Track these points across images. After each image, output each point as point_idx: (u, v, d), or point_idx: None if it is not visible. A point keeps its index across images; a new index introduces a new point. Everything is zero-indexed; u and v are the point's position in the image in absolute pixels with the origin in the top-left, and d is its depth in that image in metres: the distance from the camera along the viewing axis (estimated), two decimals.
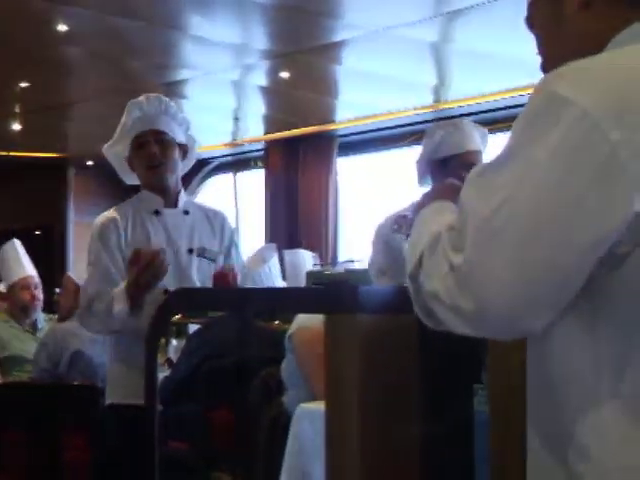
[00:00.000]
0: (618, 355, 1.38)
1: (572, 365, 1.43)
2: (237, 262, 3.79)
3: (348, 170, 12.44)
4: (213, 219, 3.79)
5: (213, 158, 13.09)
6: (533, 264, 1.26)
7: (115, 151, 3.70)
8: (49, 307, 6.48)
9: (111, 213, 3.72)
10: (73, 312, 5.07)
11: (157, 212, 3.57)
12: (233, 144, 13.04)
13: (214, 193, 13.70)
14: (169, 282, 3.45)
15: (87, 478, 4.28)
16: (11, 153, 13.40)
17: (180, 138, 3.69)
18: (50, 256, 6.80)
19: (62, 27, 7.95)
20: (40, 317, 6.11)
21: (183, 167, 3.79)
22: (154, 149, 3.56)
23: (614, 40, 1.53)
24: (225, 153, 13.07)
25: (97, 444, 4.22)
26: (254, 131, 12.26)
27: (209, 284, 3.56)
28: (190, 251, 3.61)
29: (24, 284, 5.99)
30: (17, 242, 6.06)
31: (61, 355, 4.79)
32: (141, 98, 3.68)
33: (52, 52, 8.80)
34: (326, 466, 2.39)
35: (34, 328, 5.96)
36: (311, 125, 12.08)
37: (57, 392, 4.61)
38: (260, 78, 10.33)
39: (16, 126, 11.99)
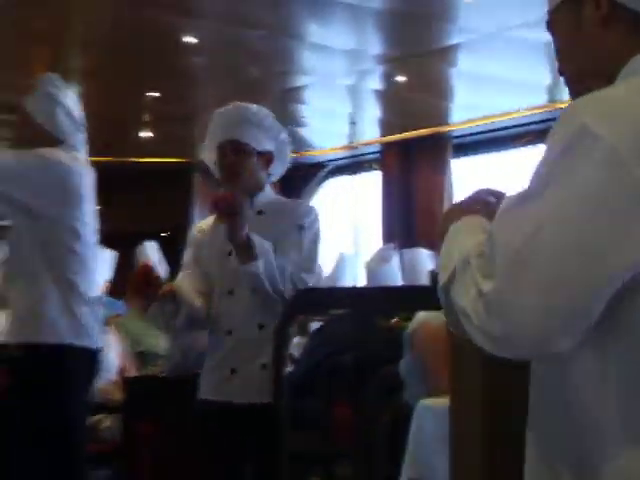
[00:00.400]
0: (627, 379, 1.40)
1: (584, 393, 1.45)
2: (295, 249, 3.49)
3: (462, 171, 12.39)
4: (289, 215, 3.61)
5: (330, 161, 13.23)
6: (561, 295, 1.30)
7: (207, 158, 3.68)
8: None
9: (206, 219, 3.84)
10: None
11: None
12: (350, 147, 13.07)
13: (331, 195, 13.77)
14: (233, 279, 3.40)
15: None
16: (142, 159, 13.76)
17: (264, 146, 3.56)
18: (176, 257, 6.90)
19: (189, 39, 8.11)
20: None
21: (275, 171, 3.69)
22: (230, 160, 3.50)
23: (629, 65, 1.54)
24: (342, 156, 13.17)
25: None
26: (370, 134, 12.31)
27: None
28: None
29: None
30: (152, 244, 6.16)
31: (191, 351, 4.82)
32: (225, 107, 3.65)
33: (180, 63, 9.00)
34: (450, 462, 2.40)
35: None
36: (425, 127, 12.09)
37: (189, 384, 4.74)
38: (375, 82, 10.33)
39: (146, 134, 12.33)
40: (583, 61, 1.66)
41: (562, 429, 1.51)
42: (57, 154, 3.95)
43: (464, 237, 1.51)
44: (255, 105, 3.68)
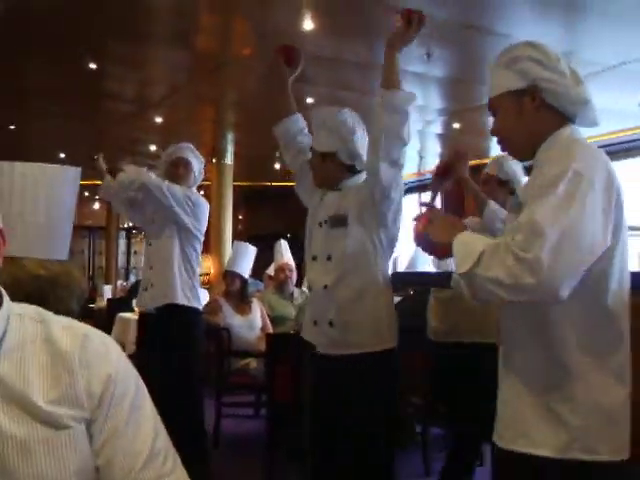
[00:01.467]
0: (588, 315, 1.64)
1: (562, 327, 1.64)
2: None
3: None
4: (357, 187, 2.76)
5: (405, 183, 13.21)
6: (577, 264, 1.52)
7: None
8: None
9: None
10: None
11: (324, 194, 2.81)
12: (418, 173, 13.04)
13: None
14: (318, 249, 2.75)
15: None
16: (274, 183, 14.04)
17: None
18: (298, 249, 7.13)
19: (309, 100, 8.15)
20: (294, 290, 6.11)
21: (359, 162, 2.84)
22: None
23: (556, 134, 1.75)
24: (412, 180, 13.10)
25: None
26: (432, 164, 12.29)
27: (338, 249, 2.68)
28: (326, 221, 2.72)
29: (281, 268, 6.01)
30: (283, 241, 6.32)
31: None
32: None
33: None
34: None
35: (291, 297, 5.98)
36: (472, 160, 11.94)
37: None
38: (437, 128, 10.34)
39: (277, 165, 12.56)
40: (519, 136, 1.81)
41: (540, 357, 1.67)
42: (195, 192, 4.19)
43: (474, 239, 1.67)
44: None
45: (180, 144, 4.30)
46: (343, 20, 6.33)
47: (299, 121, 3.00)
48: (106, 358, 1.16)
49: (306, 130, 2.98)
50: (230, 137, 11.29)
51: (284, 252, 6.20)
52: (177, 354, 3.94)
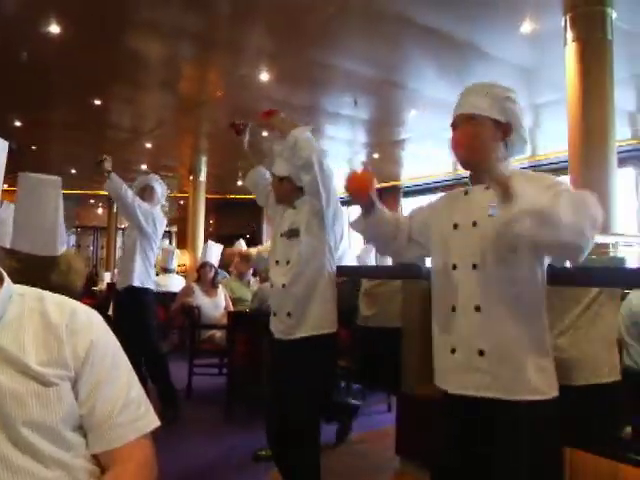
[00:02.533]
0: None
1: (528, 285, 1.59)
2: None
3: (410, 207, 12.45)
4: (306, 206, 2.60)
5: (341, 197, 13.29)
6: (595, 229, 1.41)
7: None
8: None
9: None
10: (263, 277, 5.10)
11: (285, 210, 2.68)
12: None
13: None
14: (279, 255, 2.60)
15: None
16: (237, 196, 13.77)
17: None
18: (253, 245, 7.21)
19: None
20: (251, 279, 6.04)
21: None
22: (274, 183, 2.72)
23: (507, 162, 1.71)
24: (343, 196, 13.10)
25: None
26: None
27: (293, 255, 2.54)
28: (283, 234, 2.61)
29: (234, 253, 6.03)
30: (242, 240, 6.29)
31: (263, 300, 4.81)
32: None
33: None
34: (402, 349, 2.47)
35: (248, 284, 5.91)
36: (387, 181, 12.10)
37: (260, 317, 4.72)
38: (362, 157, 10.34)
39: (240, 182, 12.46)
40: (479, 153, 1.70)
41: (510, 313, 1.57)
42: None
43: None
44: None
45: (150, 175, 4.55)
46: (292, 73, 6.34)
47: (261, 172, 2.95)
48: (89, 328, 1.13)
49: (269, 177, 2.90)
50: (204, 159, 11.22)
51: (243, 248, 6.20)
52: (135, 320, 4.15)
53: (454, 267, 1.68)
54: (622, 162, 7.69)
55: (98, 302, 10.28)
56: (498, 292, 1.58)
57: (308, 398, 2.48)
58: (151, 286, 4.27)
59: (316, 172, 2.43)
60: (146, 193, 4.31)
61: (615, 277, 1.83)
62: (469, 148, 1.71)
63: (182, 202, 14.72)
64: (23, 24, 5.21)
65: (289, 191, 2.67)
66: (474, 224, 1.66)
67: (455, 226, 1.72)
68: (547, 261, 1.63)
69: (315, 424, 2.52)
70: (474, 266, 1.62)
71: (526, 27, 5.01)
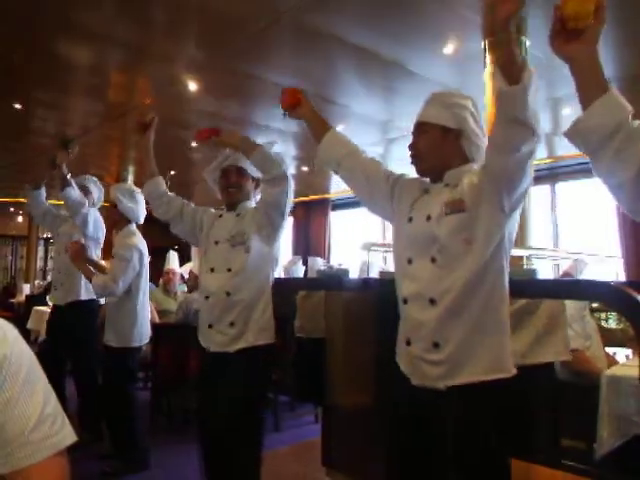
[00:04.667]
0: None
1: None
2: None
3: (338, 220, 12.55)
4: (251, 211, 2.54)
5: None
6: None
7: (213, 176, 2.71)
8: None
9: None
10: (195, 289, 5.03)
11: (220, 215, 2.64)
12: None
13: None
14: (216, 262, 2.50)
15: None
16: None
17: (255, 174, 2.59)
18: (184, 259, 6.94)
19: None
20: (178, 291, 6.05)
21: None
22: (233, 178, 2.59)
23: (465, 166, 1.74)
24: None
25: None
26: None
27: (237, 262, 2.46)
28: (227, 240, 2.49)
29: (167, 272, 6.02)
30: (172, 252, 6.19)
31: (188, 311, 4.72)
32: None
33: None
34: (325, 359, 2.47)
35: (175, 296, 5.90)
36: (314, 195, 12.23)
37: (186, 329, 4.66)
38: (292, 170, 10.26)
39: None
40: (433, 159, 1.74)
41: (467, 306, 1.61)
42: None
43: None
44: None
45: (87, 176, 4.45)
46: (222, 85, 6.29)
47: (160, 184, 2.79)
48: (3, 342, 1.06)
49: (166, 191, 2.78)
50: (131, 169, 10.93)
51: (172, 260, 6.15)
52: (80, 341, 3.99)
53: (409, 261, 1.71)
54: (538, 180, 8.16)
55: (15, 315, 9.81)
56: (453, 285, 1.61)
57: (247, 414, 2.38)
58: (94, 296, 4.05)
59: (285, 186, 2.39)
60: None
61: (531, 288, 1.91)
62: (417, 156, 1.77)
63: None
64: None
65: (247, 193, 2.60)
66: (428, 218, 1.69)
67: (410, 219, 1.76)
68: (505, 255, 1.67)
69: (257, 444, 2.40)
70: (432, 259, 1.65)
71: (449, 48, 5.18)
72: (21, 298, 10.85)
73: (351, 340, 2.37)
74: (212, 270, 2.50)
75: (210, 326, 2.47)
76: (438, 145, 1.74)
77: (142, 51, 5.46)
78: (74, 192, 3.88)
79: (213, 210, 2.72)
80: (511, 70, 1.40)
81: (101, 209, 4.35)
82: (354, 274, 6.53)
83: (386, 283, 1.96)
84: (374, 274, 5.58)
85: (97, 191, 4.30)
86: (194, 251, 12.94)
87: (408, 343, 1.70)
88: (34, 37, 5.15)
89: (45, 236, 16.55)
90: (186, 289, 6.37)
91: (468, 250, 1.61)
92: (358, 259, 6.81)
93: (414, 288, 1.68)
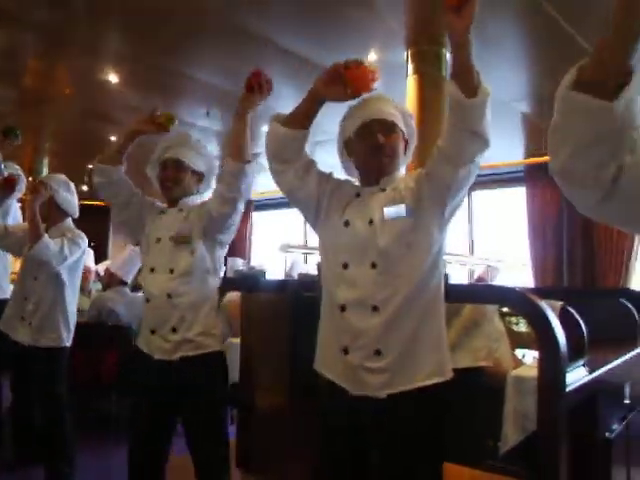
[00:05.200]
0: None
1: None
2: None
3: (260, 221, 12.48)
4: (197, 210, 2.36)
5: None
6: None
7: (155, 173, 2.44)
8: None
9: None
10: (109, 286, 4.85)
11: (162, 212, 2.41)
12: None
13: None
14: (157, 262, 2.31)
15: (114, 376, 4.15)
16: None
17: (199, 167, 2.42)
18: (100, 257, 6.67)
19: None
20: (92, 289, 5.88)
21: (205, 185, 2.49)
22: (169, 172, 2.36)
23: (402, 168, 1.79)
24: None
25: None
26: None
27: (181, 263, 2.29)
28: (171, 239, 2.28)
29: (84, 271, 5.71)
30: (88, 249, 5.98)
31: (102, 309, 4.57)
32: (171, 134, 2.42)
33: None
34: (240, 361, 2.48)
35: (89, 294, 5.70)
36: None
37: (100, 328, 4.53)
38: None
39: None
40: (397, 163, 1.74)
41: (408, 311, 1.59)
42: None
43: None
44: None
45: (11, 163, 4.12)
46: (144, 78, 6.14)
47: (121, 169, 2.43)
48: None
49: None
50: (45, 161, 10.41)
51: (87, 257, 5.70)
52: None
53: (345, 266, 1.65)
54: None
55: None
56: (396, 291, 1.59)
57: (214, 432, 2.24)
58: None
59: (237, 210, 2.28)
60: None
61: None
62: (390, 156, 1.73)
63: (20, 205, 13.56)
64: None
65: (186, 188, 2.40)
66: (370, 222, 1.65)
67: (346, 223, 1.70)
68: (443, 261, 1.67)
69: (225, 465, 2.25)
70: (373, 265, 1.61)
71: (372, 56, 5.29)
72: None
73: (267, 342, 2.34)
74: (152, 270, 2.31)
75: (153, 332, 2.27)
76: (401, 149, 1.76)
77: (61, 38, 5.25)
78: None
79: (159, 204, 2.50)
80: (467, 81, 1.40)
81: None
82: (273, 275, 6.53)
83: (304, 286, 1.95)
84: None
85: (21, 182, 3.86)
86: (112, 249, 12.43)
87: (345, 352, 1.63)
88: None
89: None
90: (100, 287, 6.17)
91: (409, 255, 1.60)
92: (279, 260, 6.78)
93: (353, 294, 1.62)
